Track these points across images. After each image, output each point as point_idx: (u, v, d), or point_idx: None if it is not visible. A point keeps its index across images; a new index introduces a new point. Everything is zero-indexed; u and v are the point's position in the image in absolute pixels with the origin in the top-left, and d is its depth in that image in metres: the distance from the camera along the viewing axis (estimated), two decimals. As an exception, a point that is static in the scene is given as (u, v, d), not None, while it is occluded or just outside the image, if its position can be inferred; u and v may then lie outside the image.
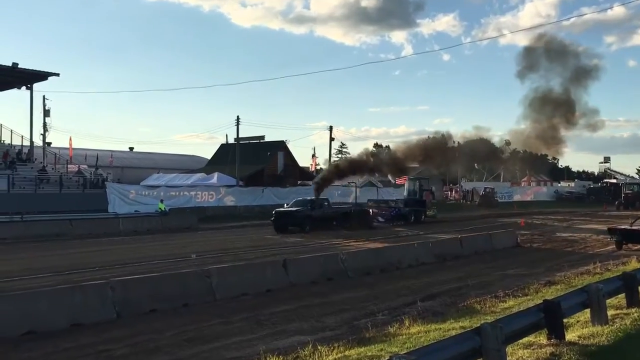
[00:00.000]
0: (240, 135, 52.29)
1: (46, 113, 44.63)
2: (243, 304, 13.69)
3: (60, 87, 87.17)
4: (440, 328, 10.38)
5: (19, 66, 37.87)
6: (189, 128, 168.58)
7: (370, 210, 38.84)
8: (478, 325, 7.80)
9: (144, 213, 37.81)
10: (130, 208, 38.63)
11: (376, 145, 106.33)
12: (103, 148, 57.34)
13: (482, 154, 40.53)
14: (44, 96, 44.37)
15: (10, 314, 11.00)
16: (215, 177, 49.18)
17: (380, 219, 38.90)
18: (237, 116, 51.42)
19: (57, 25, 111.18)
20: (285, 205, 36.28)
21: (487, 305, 12.69)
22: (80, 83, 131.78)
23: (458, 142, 40.86)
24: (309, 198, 36.62)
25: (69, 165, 43.95)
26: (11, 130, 43.53)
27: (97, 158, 47.70)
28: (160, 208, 37.95)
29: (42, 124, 44.55)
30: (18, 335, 10.66)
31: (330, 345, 9.26)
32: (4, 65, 37.62)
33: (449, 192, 74.29)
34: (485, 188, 68.66)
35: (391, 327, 10.78)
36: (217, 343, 10.42)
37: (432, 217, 43.25)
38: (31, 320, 11.09)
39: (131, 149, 68.25)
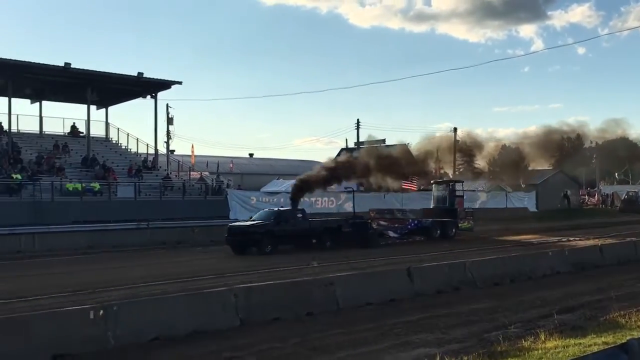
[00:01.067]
0: (360, 139, 52.57)
1: (169, 121, 47.00)
2: (366, 314, 13.76)
3: (182, 95, 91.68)
4: (581, 343, 9.96)
5: (144, 76, 40.21)
6: (308, 133, 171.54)
7: (374, 224, 32.29)
8: (624, 340, 7.42)
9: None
10: (251, 214, 39.87)
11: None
12: (223, 155, 59.56)
13: (622, 154, 37.68)
14: (167, 104, 46.75)
15: (140, 320, 11.66)
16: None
17: (391, 233, 32.50)
18: (357, 119, 51.83)
19: (179, 35, 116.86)
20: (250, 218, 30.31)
21: (633, 320, 12.01)
22: (201, 90, 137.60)
23: (595, 142, 38.32)
24: (277, 209, 29.63)
25: (191, 173, 45.90)
26: (137, 139, 46.06)
27: (218, 165, 49.58)
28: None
29: (165, 132, 47.04)
30: (146, 341, 11.28)
31: (459, 359, 9.13)
32: (131, 76, 40.01)
33: (586, 197, 71.02)
34: (628, 192, 64.20)
35: (525, 341, 10.44)
36: (341, 353, 10.53)
37: (466, 230, 35.54)
38: (157, 326, 11.71)
39: (251, 155, 70.38)
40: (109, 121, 45.54)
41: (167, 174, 43.26)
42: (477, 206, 49.78)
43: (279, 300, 13.61)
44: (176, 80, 42.20)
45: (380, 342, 11.31)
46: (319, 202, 41.73)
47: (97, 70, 39.02)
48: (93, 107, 42.67)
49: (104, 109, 45.21)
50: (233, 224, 28.81)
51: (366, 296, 14.80)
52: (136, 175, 40.46)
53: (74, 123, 43.87)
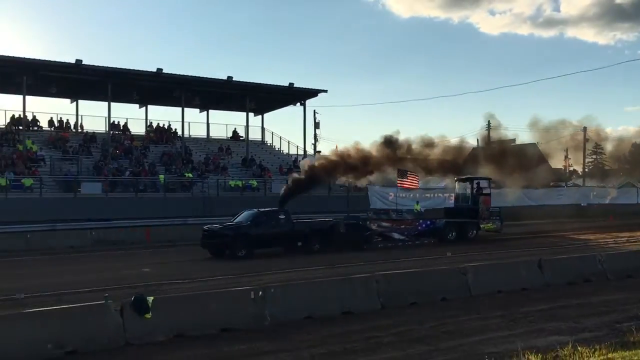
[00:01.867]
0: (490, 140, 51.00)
1: (316, 125, 48.20)
2: (498, 301, 13.41)
3: (328, 102, 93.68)
4: None
5: (294, 86, 41.49)
6: (439, 134, 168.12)
7: (374, 225, 27.00)
8: None
9: (403, 213, 39.28)
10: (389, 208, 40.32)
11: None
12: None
13: None
14: (314, 110, 47.92)
15: (293, 300, 12.07)
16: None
17: (397, 235, 27.11)
18: (488, 121, 50.23)
19: (324, 48, 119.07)
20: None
21: None
22: (344, 97, 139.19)
23: None
24: (257, 210, 24.36)
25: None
26: (288, 142, 47.64)
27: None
28: (416, 209, 38.60)
29: (312, 135, 48.31)
30: (299, 319, 11.65)
31: (591, 347, 8.67)
32: (283, 86, 41.43)
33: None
34: None
35: (659, 332, 9.74)
36: (474, 337, 10.33)
37: (493, 231, 29.65)
38: (309, 306, 12.06)
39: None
40: (264, 126, 47.43)
41: (315, 172, 44.11)
42: (607, 202, 46.83)
43: (416, 286, 13.59)
44: (322, 89, 43.23)
45: (513, 328, 10.98)
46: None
47: (254, 82, 40.67)
48: (251, 114, 44.47)
49: (260, 116, 47.04)
50: (209, 225, 23.99)
51: (497, 284, 14.44)
52: (287, 173, 41.73)
53: (235, 129, 46.12)
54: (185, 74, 38.09)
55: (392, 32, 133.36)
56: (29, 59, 33.65)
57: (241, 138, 45.09)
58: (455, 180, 31.92)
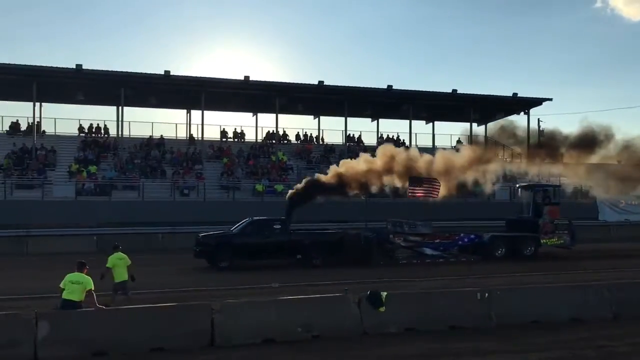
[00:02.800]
0: None
1: (540, 133, 45.55)
2: None
3: (552, 110, 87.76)
4: None
5: (518, 95, 39.83)
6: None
7: (398, 239, 22.11)
8: None
9: (635, 221, 35.53)
10: (619, 217, 36.72)
11: None
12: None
13: None
14: (538, 119, 45.36)
15: (520, 304, 11.58)
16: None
17: (428, 250, 22.33)
18: None
19: (546, 57, 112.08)
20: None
21: None
22: (567, 104, 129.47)
23: None
24: (253, 218, 21.23)
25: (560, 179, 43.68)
26: (511, 150, 45.62)
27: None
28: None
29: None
30: (526, 323, 11.15)
31: None
32: (507, 96, 40.01)
33: None
34: None
35: None
36: None
37: (562, 247, 23.95)
38: (536, 311, 11.48)
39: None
40: (487, 135, 46.03)
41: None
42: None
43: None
44: (547, 97, 40.90)
45: None
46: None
47: (479, 93, 39.81)
48: (474, 124, 43.53)
49: (483, 125, 45.82)
50: (204, 234, 21.11)
51: None
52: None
53: (458, 138, 45.52)
54: (412, 89, 38.59)
55: (622, 37, 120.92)
56: (280, 82, 36.86)
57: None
58: (518, 188, 26.62)
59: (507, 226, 25.06)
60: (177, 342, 9.53)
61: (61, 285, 9.84)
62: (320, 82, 36.00)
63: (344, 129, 39.53)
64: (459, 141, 45.14)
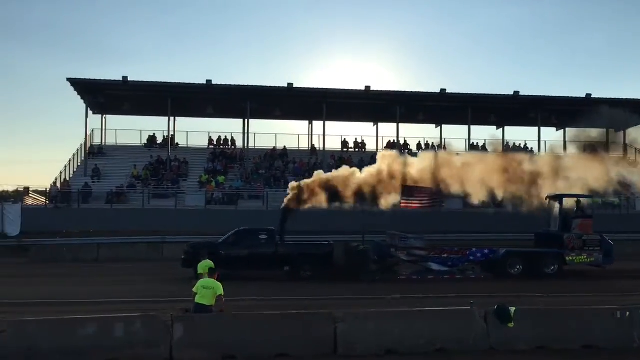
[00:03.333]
0: None
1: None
2: None
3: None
4: None
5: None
6: None
7: (401, 253, 20.58)
8: None
9: None
10: None
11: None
12: None
13: None
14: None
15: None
16: None
17: (434, 266, 20.46)
18: None
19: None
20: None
21: None
22: None
23: None
24: (240, 228, 20.68)
25: None
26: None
27: None
28: None
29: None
30: None
31: None
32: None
33: None
34: None
35: None
36: None
37: (594, 265, 21.12)
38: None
39: None
40: (626, 142, 42.90)
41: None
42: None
43: None
44: None
45: None
46: None
47: (617, 97, 37.31)
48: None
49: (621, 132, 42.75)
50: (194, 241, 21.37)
51: None
52: None
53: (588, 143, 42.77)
54: (541, 94, 36.90)
55: None
56: (401, 91, 36.77)
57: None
58: (546, 199, 22.58)
59: (536, 241, 22.75)
60: (301, 348, 9.76)
61: (194, 289, 10.42)
62: (442, 90, 35.48)
63: (467, 137, 38.54)
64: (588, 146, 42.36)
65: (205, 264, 13.31)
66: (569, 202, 21.87)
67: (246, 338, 9.75)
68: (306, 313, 11.10)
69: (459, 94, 36.33)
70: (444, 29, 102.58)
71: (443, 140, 42.39)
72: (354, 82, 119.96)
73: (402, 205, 21.69)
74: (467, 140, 38.65)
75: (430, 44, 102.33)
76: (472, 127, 38.56)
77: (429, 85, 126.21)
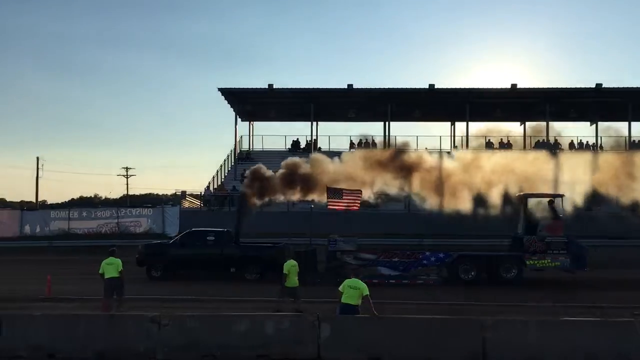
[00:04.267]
0: None
1: None
2: None
3: None
4: None
5: None
6: None
7: (348, 256, 19.57)
8: None
9: None
10: None
11: None
12: None
13: None
14: None
15: None
16: None
17: (385, 270, 19.40)
18: None
19: None
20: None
21: None
22: None
23: None
24: (192, 229, 21.63)
25: None
26: None
27: None
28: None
29: None
30: None
31: None
32: None
33: None
34: None
35: None
36: None
37: (566, 270, 19.35)
38: None
39: None
40: None
41: None
42: None
43: None
44: None
45: None
46: None
47: None
48: None
49: None
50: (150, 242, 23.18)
51: None
52: None
53: None
54: None
55: None
56: (551, 88, 34.84)
57: None
58: (517, 198, 20.61)
59: (511, 244, 20.93)
60: (447, 355, 9.53)
61: (340, 289, 10.59)
62: (598, 85, 33.10)
63: (627, 135, 35.58)
64: None
65: (289, 264, 13.81)
66: (536, 202, 20.34)
67: (392, 341, 9.70)
68: (453, 319, 10.84)
69: (616, 88, 33.73)
70: (598, 21, 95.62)
71: (599, 138, 39.57)
72: (498, 81, 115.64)
73: (329, 206, 21.17)
74: (627, 139, 35.65)
75: (584, 38, 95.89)
76: (633, 123, 35.68)
77: (582, 81, 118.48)
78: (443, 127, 41.59)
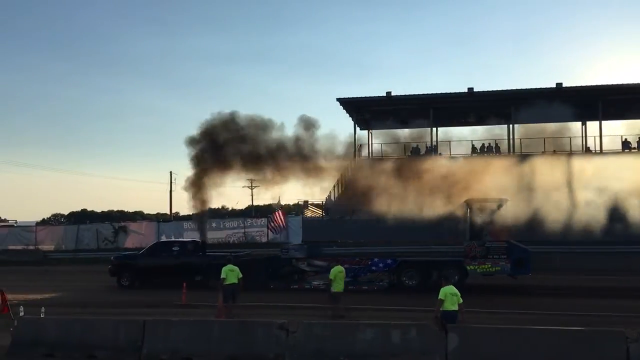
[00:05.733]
0: None
1: None
2: None
3: None
4: None
5: None
6: None
7: (301, 262, 20.52)
8: None
9: None
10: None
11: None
12: None
13: None
14: None
15: None
16: None
17: (313, 281, 20.10)
18: None
19: None
20: None
21: None
22: None
23: None
24: (159, 240, 25.17)
25: None
26: None
27: None
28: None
29: None
30: None
31: None
32: None
33: None
34: None
35: None
36: None
37: (510, 275, 19.37)
38: None
39: None
40: None
41: None
42: None
43: None
44: None
45: None
46: None
47: None
48: None
49: None
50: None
51: None
52: None
53: None
54: None
55: None
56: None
57: None
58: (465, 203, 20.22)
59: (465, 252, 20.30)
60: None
61: (441, 296, 10.65)
62: None
63: None
64: None
65: (336, 270, 14.81)
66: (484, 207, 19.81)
67: (516, 353, 9.35)
68: (592, 330, 10.22)
69: None
70: None
71: None
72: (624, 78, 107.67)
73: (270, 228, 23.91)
74: None
75: None
76: None
77: None
78: (574, 127, 39.37)
